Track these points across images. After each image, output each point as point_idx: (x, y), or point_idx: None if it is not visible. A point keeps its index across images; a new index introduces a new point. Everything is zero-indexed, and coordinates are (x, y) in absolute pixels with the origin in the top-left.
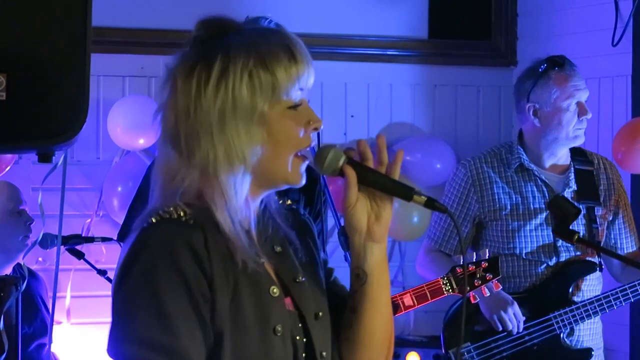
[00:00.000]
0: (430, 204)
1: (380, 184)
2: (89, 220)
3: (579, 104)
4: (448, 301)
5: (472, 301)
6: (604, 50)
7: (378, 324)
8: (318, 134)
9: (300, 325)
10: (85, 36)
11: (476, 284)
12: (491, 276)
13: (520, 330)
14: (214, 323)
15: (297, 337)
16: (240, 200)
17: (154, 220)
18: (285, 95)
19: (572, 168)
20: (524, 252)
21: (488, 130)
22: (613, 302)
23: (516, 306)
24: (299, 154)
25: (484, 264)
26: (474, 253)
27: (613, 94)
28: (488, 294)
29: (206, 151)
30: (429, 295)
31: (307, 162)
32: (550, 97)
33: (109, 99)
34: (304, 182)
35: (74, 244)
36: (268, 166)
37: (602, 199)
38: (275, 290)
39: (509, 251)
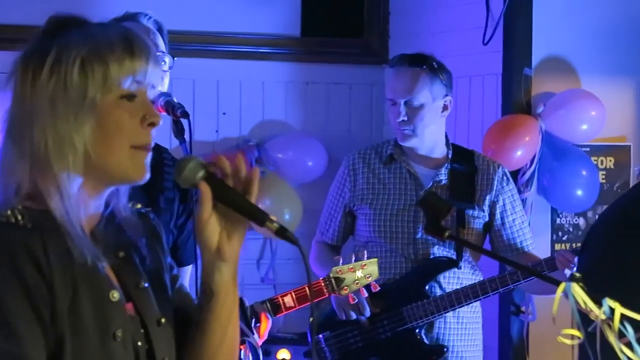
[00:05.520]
0: (282, 233)
1: (236, 205)
2: None
3: (394, 103)
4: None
5: (351, 302)
6: (474, 49)
7: (222, 341)
8: (190, 131)
9: (142, 331)
10: None
11: (355, 285)
12: (370, 277)
13: (364, 319)
14: (54, 328)
15: (139, 343)
16: (75, 194)
17: None
18: (117, 85)
19: (448, 165)
20: (383, 242)
21: (360, 128)
22: (463, 299)
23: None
24: (138, 146)
25: (363, 265)
26: (353, 254)
27: (483, 92)
28: (366, 295)
29: (37, 139)
30: (309, 296)
31: (149, 155)
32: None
33: None
34: (147, 177)
35: None
36: (102, 159)
37: (476, 200)
38: (115, 295)
39: (372, 241)
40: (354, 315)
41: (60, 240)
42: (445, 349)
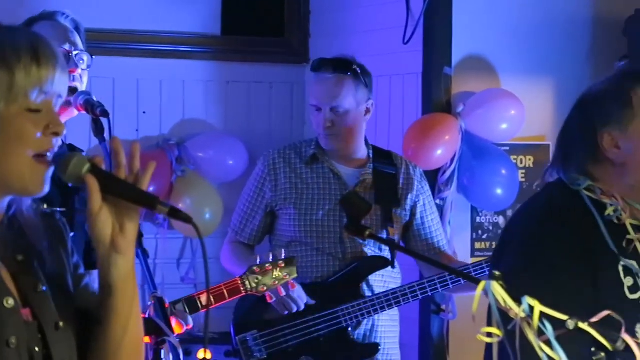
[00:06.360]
0: (174, 213)
1: (124, 193)
2: None
3: (318, 109)
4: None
5: (269, 300)
6: (395, 48)
7: (123, 336)
8: (110, 130)
9: (39, 336)
10: None
11: (273, 284)
12: (288, 276)
13: (301, 308)
14: None
15: (36, 349)
16: None
17: None
18: (23, 96)
19: (371, 165)
20: (310, 241)
21: (280, 127)
22: (401, 299)
23: (299, 288)
24: (40, 159)
25: (281, 264)
26: (270, 253)
27: (404, 92)
28: (284, 294)
29: None
30: (226, 294)
31: (51, 169)
32: None
33: None
34: (46, 190)
35: None
36: (2, 167)
37: (399, 199)
38: (9, 302)
39: (297, 240)
40: (294, 308)
41: None
42: (379, 347)
